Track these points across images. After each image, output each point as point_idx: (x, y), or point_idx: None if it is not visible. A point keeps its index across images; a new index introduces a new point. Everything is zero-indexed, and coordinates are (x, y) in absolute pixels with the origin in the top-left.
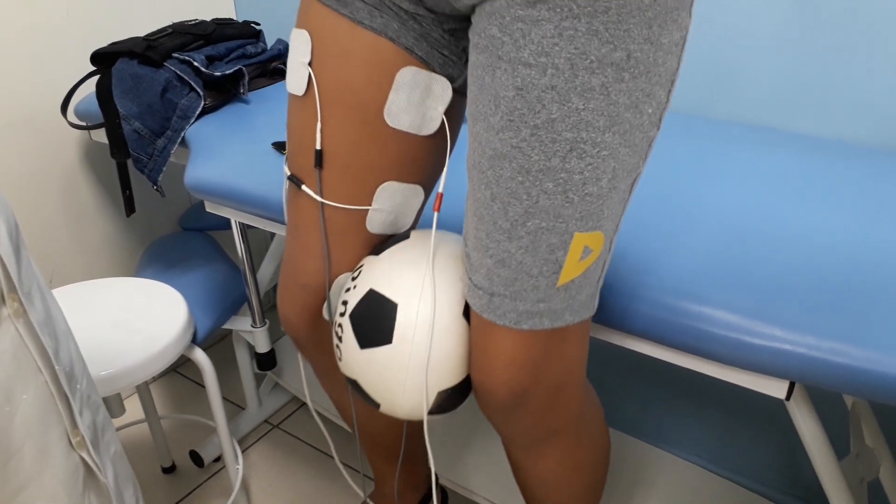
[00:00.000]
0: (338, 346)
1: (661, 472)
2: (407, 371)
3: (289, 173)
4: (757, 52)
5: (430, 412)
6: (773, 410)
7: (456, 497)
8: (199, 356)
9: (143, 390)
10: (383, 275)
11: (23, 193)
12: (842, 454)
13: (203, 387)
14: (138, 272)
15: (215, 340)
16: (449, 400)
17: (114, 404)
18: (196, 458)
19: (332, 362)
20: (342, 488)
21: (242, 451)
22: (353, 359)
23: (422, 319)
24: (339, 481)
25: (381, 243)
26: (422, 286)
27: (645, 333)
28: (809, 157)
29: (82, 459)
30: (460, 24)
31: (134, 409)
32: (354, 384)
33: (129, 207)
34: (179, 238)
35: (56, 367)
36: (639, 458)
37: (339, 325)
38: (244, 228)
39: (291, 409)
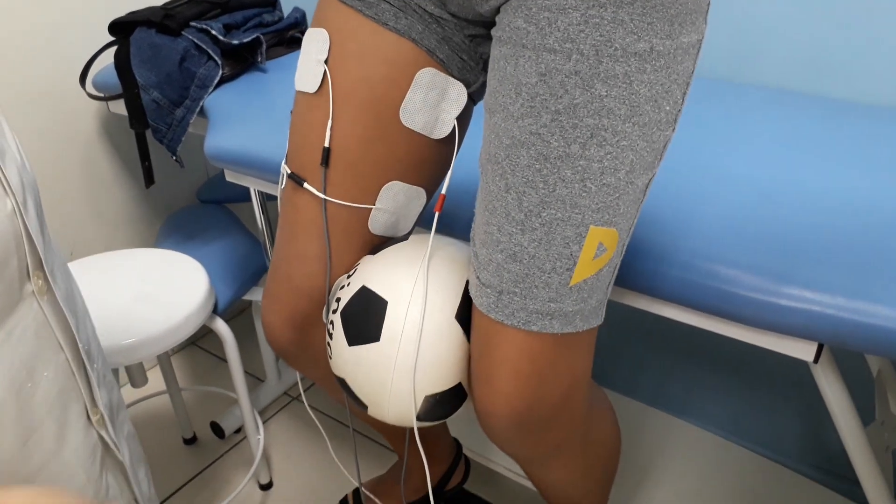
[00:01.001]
0: (329, 343)
1: (682, 442)
2: (393, 370)
3: (289, 171)
4: (782, 16)
5: (419, 418)
6: (797, 381)
7: (478, 467)
8: (221, 326)
9: (164, 362)
10: (377, 272)
11: (42, 166)
12: (866, 423)
13: (223, 360)
14: (157, 244)
15: (234, 314)
16: (438, 407)
17: (137, 374)
18: (217, 429)
19: (324, 371)
20: (361, 459)
21: (263, 423)
22: (342, 356)
23: (411, 318)
24: (358, 452)
25: (379, 245)
26: (413, 285)
27: (673, 297)
28: (835, 121)
29: (100, 437)
30: (481, 30)
31: (155, 380)
32: (343, 384)
33: (149, 178)
34: (197, 210)
35: (78, 345)
36: (659, 428)
37: (331, 322)
38: (264, 198)
39: (310, 381)
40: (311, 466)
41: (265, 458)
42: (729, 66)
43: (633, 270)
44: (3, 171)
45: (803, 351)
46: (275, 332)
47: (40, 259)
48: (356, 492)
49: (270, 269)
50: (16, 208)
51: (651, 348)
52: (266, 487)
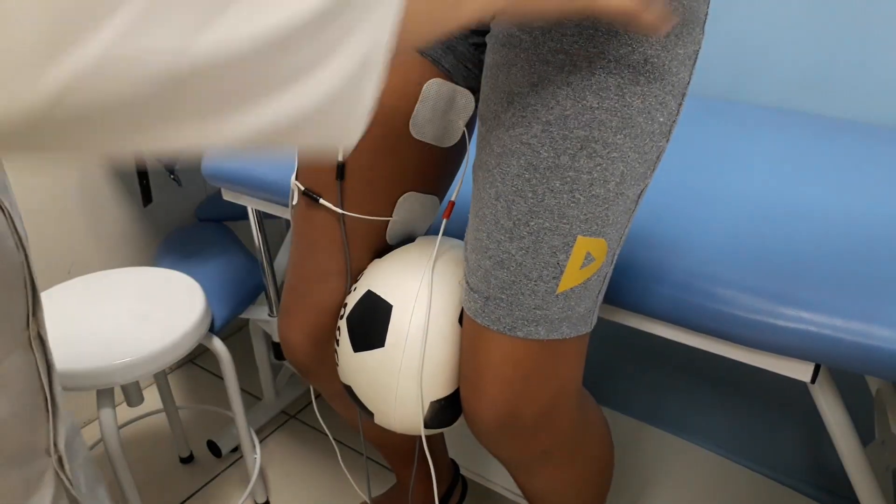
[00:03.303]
0: (336, 350)
1: (678, 459)
2: (398, 376)
3: (302, 188)
4: (778, 35)
5: (425, 425)
6: (795, 399)
7: (475, 486)
8: (217, 345)
9: (161, 380)
10: (382, 276)
11: (40, 184)
12: (866, 443)
13: (220, 378)
14: (155, 262)
15: (232, 332)
16: (443, 412)
17: (132, 393)
18: (214, 448)
19: (341, 386)
20: (360, 478)
21: (260, 441)
22: (348, 363)
23: (416, 323)
24: (357, 472)
25: (389, 249)
26: (418, 289)
27: (667, 316)
28: (832, 139)
29: (57, 478)
30: (484, 38)
31: (152, 399)
32: (350, 391)
33: (146, 197)
34: (196, 228)
35: (54, 388)
36: (655, 446)
37: (339, 329)
38: (261, 217)
39: (308, 399)
40: (308, 485)
41: (262, 476)
42: (725, 85)
43: (626, 289)
44: (16, 226)
45: (800, 371)
46: (294, 348)
47: (37, 307)
48: None
49: (287, 287)
50: (25, 260)
51: (646, 364)
52: None
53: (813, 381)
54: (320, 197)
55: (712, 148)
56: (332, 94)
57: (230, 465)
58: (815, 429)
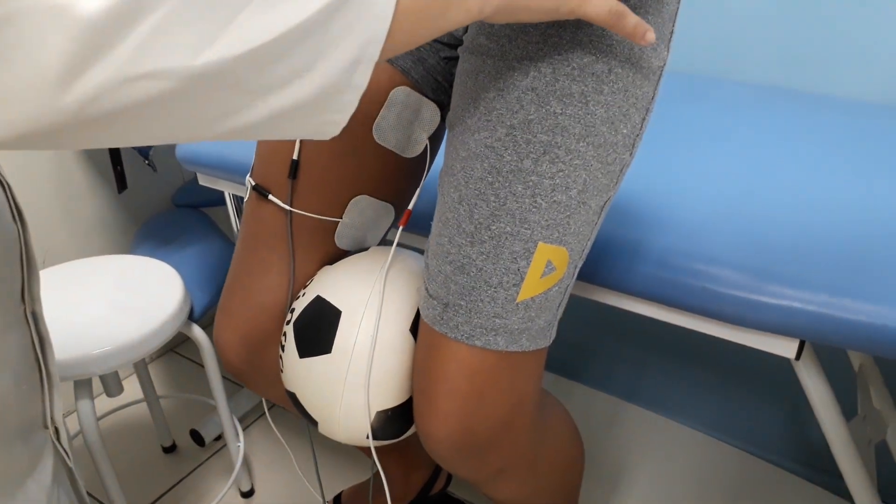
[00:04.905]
0: (281, 356)
1: (660, 438)
2: (344, 384)
3: (253, 183)
4: (762, 12)
5: (372, 436)
6: (779, 375)
7: None
8: (197, 332)
9: (141, 370)
10: (332, 282)
11: (13, 172)
12: (848, 418)
13: (202, 366)
14: (132, 250)
15: (212, 319)
16: (390, 423)
17: (111, 383)
18: (197, 436)
19: (283, 392)
20: (344, 466)
21: (243, 429)
22: (293, 369)
23: (364, 330)
24: (341, 459)
25: (339, 256)
26: (369, 295)
27: (648, 294)
28: (815, 116)
29: (55, 451)
30: (455, 52)
31: (133, 389)
32: (294, 398)
33: (121, 183)
34: (173, 215)
35: (52, 368)
36: (636, 424)
37: (284, 334)
38: (238, 202)
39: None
40: (292, 473)
41: (246, 465)
42: (709, 62)
43: (605, 267)
44: (14, 198)
45: (785, 348)
46: (229, 351)
47: (32, 281)
48: (337, 499)
49: (226, 286)
50: (20, 234)
51: (627, 341)
52: (247, 495)
53: (797, 357)
54: (269, 192)
55: (693, 124)
56: (325, 87)
57: (213, 453)
58: (798, 404)
